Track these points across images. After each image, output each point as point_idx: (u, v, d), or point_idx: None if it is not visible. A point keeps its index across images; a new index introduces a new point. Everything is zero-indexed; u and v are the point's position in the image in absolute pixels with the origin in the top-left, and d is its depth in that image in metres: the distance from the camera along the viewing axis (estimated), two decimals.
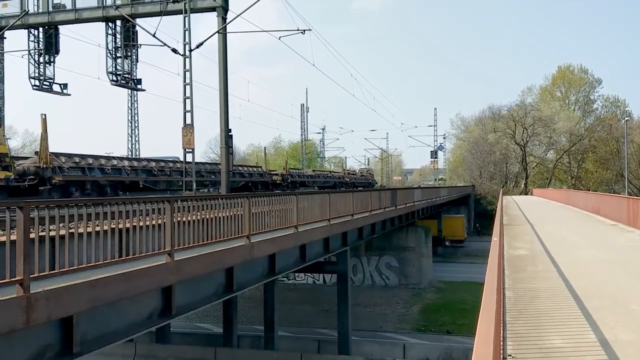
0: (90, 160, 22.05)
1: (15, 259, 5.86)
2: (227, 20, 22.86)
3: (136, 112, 57.70)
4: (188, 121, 23.20)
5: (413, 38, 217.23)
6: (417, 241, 34.46)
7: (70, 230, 6.72)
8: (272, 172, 40.33)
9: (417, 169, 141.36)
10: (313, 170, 60.96)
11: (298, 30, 23.24)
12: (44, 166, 18.87)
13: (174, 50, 23.50)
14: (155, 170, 25.89)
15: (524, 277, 10.54)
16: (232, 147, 23.23)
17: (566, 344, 6.25)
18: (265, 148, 59.27)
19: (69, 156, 21.33)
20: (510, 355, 5.85)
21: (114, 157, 24.69)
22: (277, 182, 39.13)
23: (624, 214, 21.01)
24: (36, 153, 20.17)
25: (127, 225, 7.67)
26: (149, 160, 30.00)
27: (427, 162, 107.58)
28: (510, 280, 10.07)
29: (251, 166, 43.22)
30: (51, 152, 19.45)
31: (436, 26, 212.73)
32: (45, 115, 18.67)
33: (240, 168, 36.95)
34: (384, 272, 34.16)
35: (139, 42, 26.85)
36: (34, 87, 27.43)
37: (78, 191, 20.64)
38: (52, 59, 27.58)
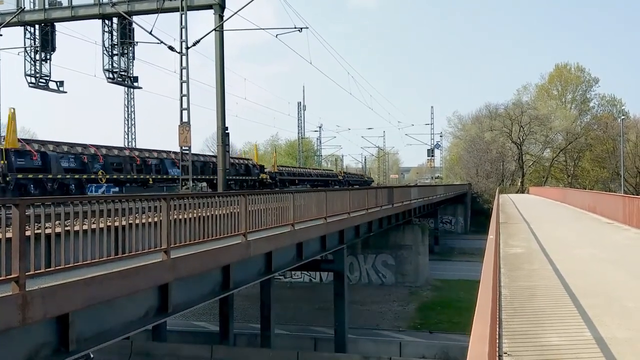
0: (51, 147, 20.11)
1: (10, 256, 5.84)
2: (224, 18, 22.83)
3: (133, 109, 57.61)
4: (185, 119, 23.15)
5: (409, 36, 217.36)
6: (414, 239, 34.47)
7: (66, 228, 6.70)
8: (262, 170, 38.26)
9: (414, 167, 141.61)
10: (308, 168, 59.80)
11: (295, 28, 23.25)
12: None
13: (171, 48, 23.46)
14: (131, 161, 23.35)
15: (520, 275, 10.56)
16: (228, 144, 23.23)
17: (562, 342, 6.26)
18: (256, 145, 56.96)
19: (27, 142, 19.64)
20: (506, 353, 5.86)
21: (78, 144, 22.62)
22: (265, 181, 37.30)
23: (619, 213, 21.07)
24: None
25: (124, 222, 7.65)
26: (131, 149, 28.11)
27: (423, 161, 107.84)
28: (506, 278, 10.09)
29: (238, 158, 40.49)
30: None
31: (433, 24, 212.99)
32: (14, 109, 18.24)
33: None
34: (381, 270, 34.18)
35: (136, 39, 26.76)
36: (30, 85, 27.32)
37: (38, 189, 19.18)
38: (48, 57, 27.48)
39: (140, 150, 28.71)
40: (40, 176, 20.13)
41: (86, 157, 21.92)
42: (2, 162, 17.75)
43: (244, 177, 34.62)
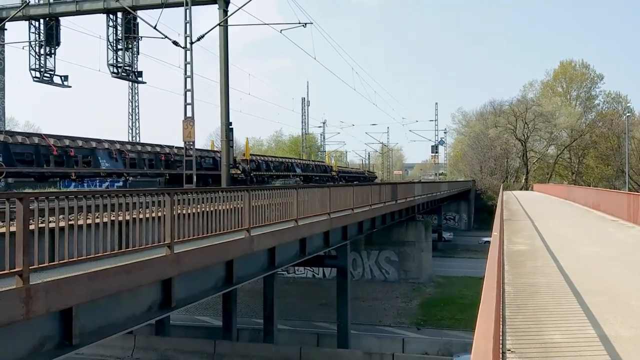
0: (257, 157, 33.91)
1: (14, 250, 5.85)
2: (229, 13, 22.78)
3: (137, 104, 57.62)
4: (189, 114, 23.15)
5: (413, 33, 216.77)
6: (417, 236, 34.44)
7: (70, 222, 6.71)
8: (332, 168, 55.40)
9: (418, 163, 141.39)
10: (350, 168, 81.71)
11: (300, 23, 23.16)
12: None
13: (175, 43, 23.42)
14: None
15: (524, 272, 10.53)
16: (232, 140, 23.22)
17: (565, 339, 6.25)
18: (328, 153, 74.46)
19: None
20: (509, 350, 5.85)
21: (266, 156, 36.09)
22: (334, 176, 52.91)
23: (624, 210, 21.00)
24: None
25: (127, 217, 7.66)
26: (274, 157, 44.93)
27: (427, 157, 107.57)
28: (509, 276, 10.07)
29: (319, 161, 60.08)
30: None
31: (437, 21, 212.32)
32: (247, 138, 34.08)
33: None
34: (384, 266, 34.17)
35: (140, 34, 26.79)
36: (35, 79, 27.39)
37: (256, 182, 30.98)
38: (52, 51, 27.53)
39: (289, 158, 47.53)
40: (257, 174, 33.83)
41: (272, 163, 36.98)
42: (247, 166, 31.89)
43: (323, 174, 50.76)
